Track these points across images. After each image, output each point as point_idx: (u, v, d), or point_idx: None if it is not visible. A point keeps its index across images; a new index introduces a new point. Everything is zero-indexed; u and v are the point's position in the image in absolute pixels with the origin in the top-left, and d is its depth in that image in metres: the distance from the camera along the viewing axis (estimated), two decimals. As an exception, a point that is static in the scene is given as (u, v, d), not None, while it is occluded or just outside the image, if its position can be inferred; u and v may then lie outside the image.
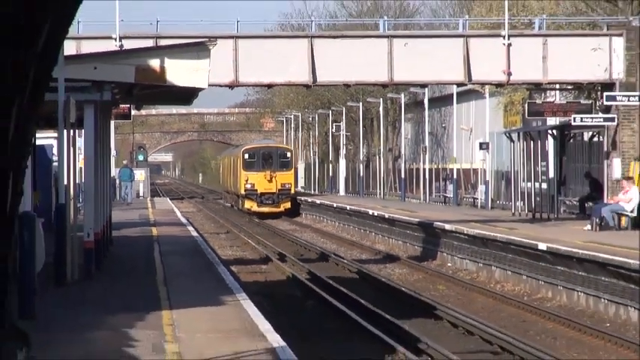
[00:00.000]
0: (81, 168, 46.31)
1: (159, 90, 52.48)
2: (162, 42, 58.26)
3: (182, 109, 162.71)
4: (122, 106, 57.74)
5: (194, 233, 77.79)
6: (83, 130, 45.54)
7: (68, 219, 41.30)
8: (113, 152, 68.60)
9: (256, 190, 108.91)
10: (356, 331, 39.71)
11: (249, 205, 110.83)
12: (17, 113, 8.18)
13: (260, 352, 27.55)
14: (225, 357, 26.86)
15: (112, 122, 59.23)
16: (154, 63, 47.44)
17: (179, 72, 48.46)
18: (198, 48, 50.34)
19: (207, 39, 54.89)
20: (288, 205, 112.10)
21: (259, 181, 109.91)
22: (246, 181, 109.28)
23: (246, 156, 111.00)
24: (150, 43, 59.62)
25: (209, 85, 52.31)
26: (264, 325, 31.79)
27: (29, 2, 7.22)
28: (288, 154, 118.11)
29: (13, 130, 8.36)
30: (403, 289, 54.18)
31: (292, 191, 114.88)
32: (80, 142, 46.24)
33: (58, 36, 9.62)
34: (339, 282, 54.75)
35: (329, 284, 53.46)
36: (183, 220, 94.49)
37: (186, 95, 58.25)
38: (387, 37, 74.04)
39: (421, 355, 34.37)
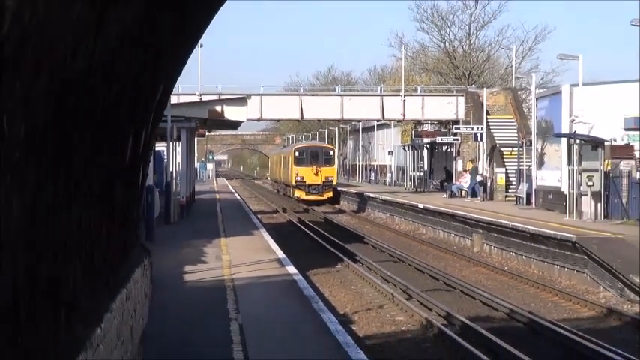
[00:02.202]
0: (179, 162, 46.28)
1: (220, 121, 52.86)
2: (223, 96, 58.25)
3: (232, 132, 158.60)
4: (201, 130, 57.67)
5: (238, 197, 77.68)
6: (180, 143, 45.84)
7: (172, 189, 41.54)
8: (195, 154, 68.43)
9: (305, 181, 79.50)
10: (322, 249, 39.78)
11: (298, 194, 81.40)
12: (145, 135, 8.36)
13: (272, 260, 27.69)
14: (254, 262, 26.75)
15: (195, 138, 59.08)
16: (218, 107, 47.57)
17: (231, 112, 48.42)
18: (240, 100, 50.63)
19: (245, 95, 54.93)
20: (330, 194, 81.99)
21: (307, 174, 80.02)
22: (297, 174, 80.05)
23: (297, 154, 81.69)
24: (215, 96, 59.52)
25: (247, 120, 53.08)
26: (275, 246, 31.95)
27: (152, 73, 7.39)
28: (331, 153, 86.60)
29: (142, 143, 8.53)
30: (347, 227, 54.02)
31: (334, 183, 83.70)
32: (178, 149, 46.35)
33: (168, 92, 9.86)
34: (314, 223, 54.58)
35: (308, 224, 53.29)
36: (232, 190, 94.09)
37: (235, 124, 59.64)
38: (340, 95, 74.93)
39: (357, 262, 34.41)
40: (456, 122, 68.37)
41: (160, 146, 42.67)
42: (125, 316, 6.51)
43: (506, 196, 56.26)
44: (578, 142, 38.25)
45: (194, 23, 8.39)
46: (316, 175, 77.96)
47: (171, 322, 14.95)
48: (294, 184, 79.76)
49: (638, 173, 37.57)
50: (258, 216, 54.16)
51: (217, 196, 74.31)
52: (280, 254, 29.13)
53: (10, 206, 3.09)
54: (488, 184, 58.39)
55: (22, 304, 3.45)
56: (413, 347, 19.48)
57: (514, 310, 23.02)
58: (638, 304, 23.99)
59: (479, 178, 58.19)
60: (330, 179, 78.50)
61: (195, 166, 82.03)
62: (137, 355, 8.05)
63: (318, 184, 78.10)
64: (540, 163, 48.90)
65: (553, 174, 44.87)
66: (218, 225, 41.71)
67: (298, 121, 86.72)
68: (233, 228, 39.65)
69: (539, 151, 49.59)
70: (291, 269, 25.26)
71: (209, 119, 49.64)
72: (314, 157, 78.86)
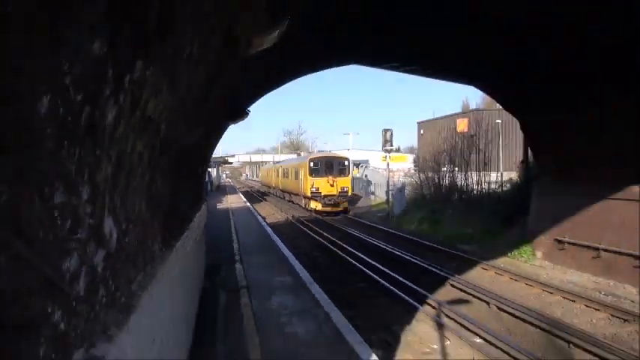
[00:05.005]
0: (214, 175, 48.06)
1: (226, 162, 53.68)
2: (228, 153, 57.56)
3: (230, 165, 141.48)
4: (222, 164, 57.27)
5: (232, 184, 76.29)
6: (214, 168, 47.93)
7: (211, 183, 42.28)
8: (220, 172, 62.85)
9: (320, 192, 30.52)
10: (257, 197, 36.66)
11: (314, 205, 30.26)
12: (204, 165, 8.90)
13: (243, 202, 31.80)
14: (239, 204, 30.39)
15: (219, 167, 57.79)
16: (227, 158, 48.91)
17: (229, 159, 49.03)
18: (232, 156, 52.26)
19: (233, 154, 55.60)
20: (346, 205, 30.72)
21: (322, 185, 30.58)
22: (312, 185, 30.73)
23: (312, 164, 31.34)
24: (225, 154, 57.86)
25: (234, 162, 53.67)
26: (244, 198, 34.54)
27: (207, 146, 7.86)
28: (346, 163, 31.79)
29: (204, 168, 9.12)
30: (269, 192, 46.90)
31: (349, 193, 31.40)
32: (214, 170, 47.72)
33: (211, 153, 9.84)
34: (256, 191, 49.87)
35: (254, 190, 48.78)
36: (232, 182, 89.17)
37: (230, 163, 58.88)
38: (262, 154, 75.93)
39: (268, 202, 37.28)
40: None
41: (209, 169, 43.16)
42: (200, 218, 7.38)
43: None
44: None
45: (220, 132, 8.84)
46: (332, 185, 35.51)
47: (212, 222, 17.16)
48: (309, 195, 35.63)
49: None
50: (240, 190, 55.11)
51: (226, 184, 72.15)
52: (244, 199, 33.93)
53: (164, 192, 3.36)
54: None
55: (171, 222, 3.79)
56: (284, 225, 22.47)
57: (313, 216, 26.67)
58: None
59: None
60: (345, 189, 35.50)
61: (220, 175, 77.35)
62: (202, 235, 9.06)
63: (334, 195, 35.08)
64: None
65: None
66: (226, 192, 44.92)
67: (251, 163, 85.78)
68: (230, 193, 43.77)
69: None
70: (248, 204, 29.39)
71: (223, 162, 52.36)
72: (329, 168, 36.07)
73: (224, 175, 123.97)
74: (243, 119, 7.79)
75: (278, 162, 47.74)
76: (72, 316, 1.73)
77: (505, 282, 11.22)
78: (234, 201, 32.50)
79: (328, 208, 28.44)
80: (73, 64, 1.43)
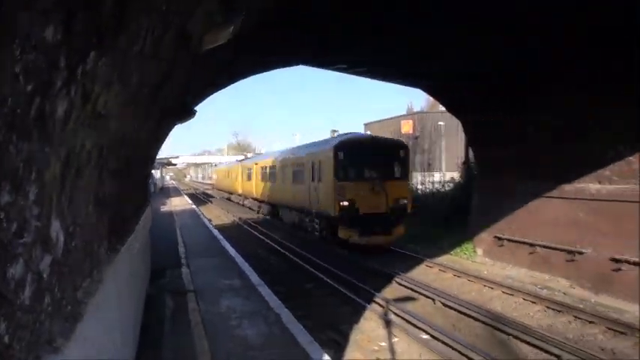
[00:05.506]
0: (157, 176, 45.91)
1: (170, 164, 51.10)
2: (173, 155, 55.81)
3: (174, 167, 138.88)
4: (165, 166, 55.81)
5: (176, 185, 73.48)
6: (158, 170, 46.03)
7: (154, 185, 40.61)
8: (163, 173, 61.38)
9: (357, 209, 10.02)
10: (203, 200, 38.74)
11: (344, 234, 10.39)
12: (149, 167, 7.73)
13: (189, 204, 29.95)
14: (184, 206, 29.09)
15: (163, 169, 56.24)
16: (171, 159, 46.56)
17: (174, 161, 47.36)
18: (177, 158, 49.70)
19: (178, 156, 53.29)
20: (402, 231, 10.84)
21: (361, 196, 9.95)
22: (341, 195, 9.91)
23: (342, 155, 9.80)
24: (170, 155, 56.18)
25: (178, 164, 50.93)
26: (189, 200, 33.27)
27: (153, 146, 8.63)
28: (402, 153, 10.65)
29: (148, 170, 8.10)
30: (212, 194, 45.65)
31: (409, 210, 10.86)
32: (157, 172, 46.28)
33: (156, 154, 8.87)
34: (201, 192, 49.73)
35: (199, 193, 49.05)
36: (176, 184, 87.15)
37: (175, 165, 56.12)
38: (212, 156, 72.60)
39: (213, 204, 32.58)
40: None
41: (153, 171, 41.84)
42: (145, 221, 7.37)
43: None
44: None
45: (166, 132, 9.29)
46: (378, 194, 11.87)
47: (156, 224, 16.44)
48: (335, 214, 12.34)
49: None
50: (183, 191, 54.02)
51: (169, 186, 70.71)
52: (190, 202, 32.50)
53: (111, 193, 3.33)
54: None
55: (116, 224, 3.78)
56: (231, 227, 22.40)
57: (261, 217, 25.89)
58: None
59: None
60: (402, 204, 12.26)
61: (164, 176, 74.54)
62: (148, 238, 9.08)
63: (383, 214, 12.05)
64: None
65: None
66: (170, 194, 43.06)
67: (196, 165, 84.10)
68: (174, 195, 42.13)
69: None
70: (194, 206, 28.67)
71: (167, 163, 50.48)
72: (371, 162, 11.93)
73: (167, 177, 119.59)
74: (190, 118, 7.59)
75: (253, 156, 32.37)
76: (17, 328, 1.64)
77: (449, 279, 11.55)
78: (178, 204, 31.69)
79: (374, 241, 13.28)
80: (25, 50, 1.33)
